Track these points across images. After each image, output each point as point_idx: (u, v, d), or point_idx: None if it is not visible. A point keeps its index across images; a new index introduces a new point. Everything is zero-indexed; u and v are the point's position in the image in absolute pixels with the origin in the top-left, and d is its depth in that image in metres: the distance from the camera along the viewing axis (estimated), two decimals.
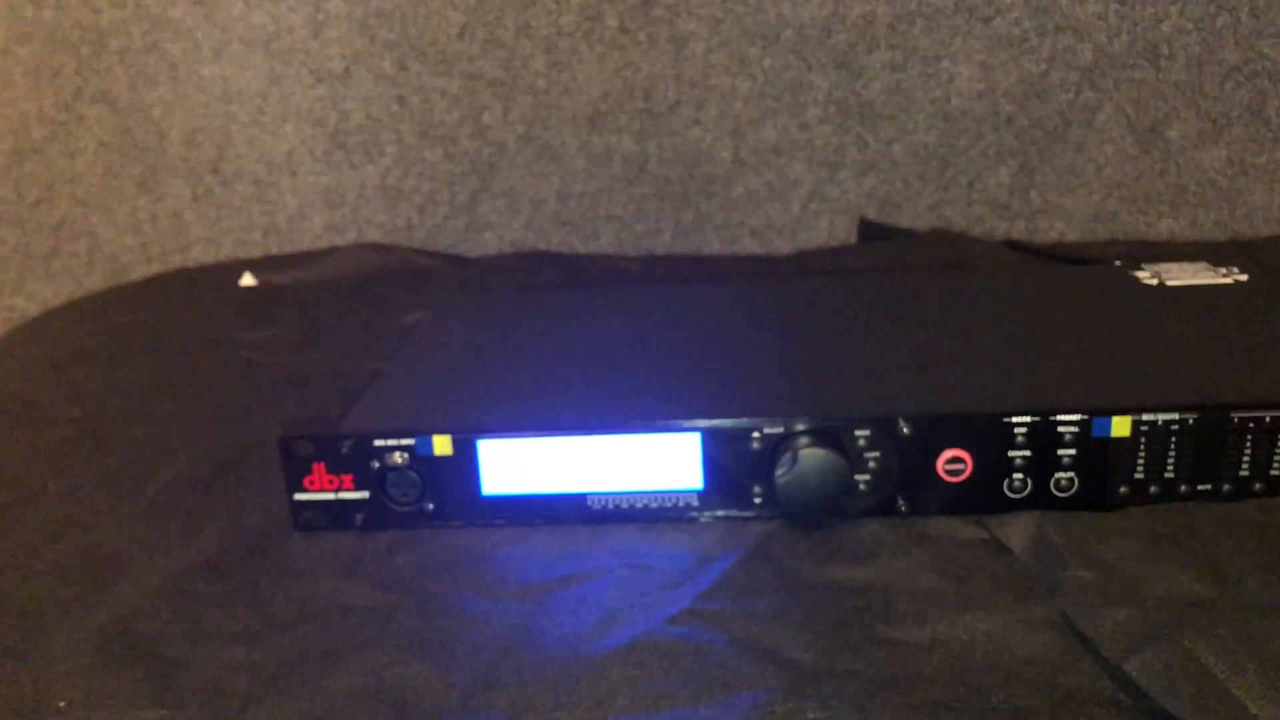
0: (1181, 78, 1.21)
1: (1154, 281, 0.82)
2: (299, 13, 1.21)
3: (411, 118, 1.25)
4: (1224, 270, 0.83)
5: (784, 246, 1.30)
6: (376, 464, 0.65)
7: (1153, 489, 0.62)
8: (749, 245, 1.30)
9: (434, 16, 1.21)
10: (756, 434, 0.63)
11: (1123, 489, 0.62)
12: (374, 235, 1.29)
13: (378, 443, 0.65)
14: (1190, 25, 1.18)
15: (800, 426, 0.63)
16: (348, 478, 0.66)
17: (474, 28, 1.22)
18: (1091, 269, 0.90)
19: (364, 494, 0.66)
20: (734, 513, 0.65)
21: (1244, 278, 0.81)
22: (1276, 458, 0.61)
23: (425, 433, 0.65)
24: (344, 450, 0.65)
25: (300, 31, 1.22)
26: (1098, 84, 1.22)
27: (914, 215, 1.27)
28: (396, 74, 1.23)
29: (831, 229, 1.29)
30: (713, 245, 1.30)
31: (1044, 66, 1.22)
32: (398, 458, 0.65)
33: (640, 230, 1.29)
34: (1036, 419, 0.61)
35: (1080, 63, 1.21)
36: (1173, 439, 0.61)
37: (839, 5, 1.20)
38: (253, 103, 1.24)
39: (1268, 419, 0.60)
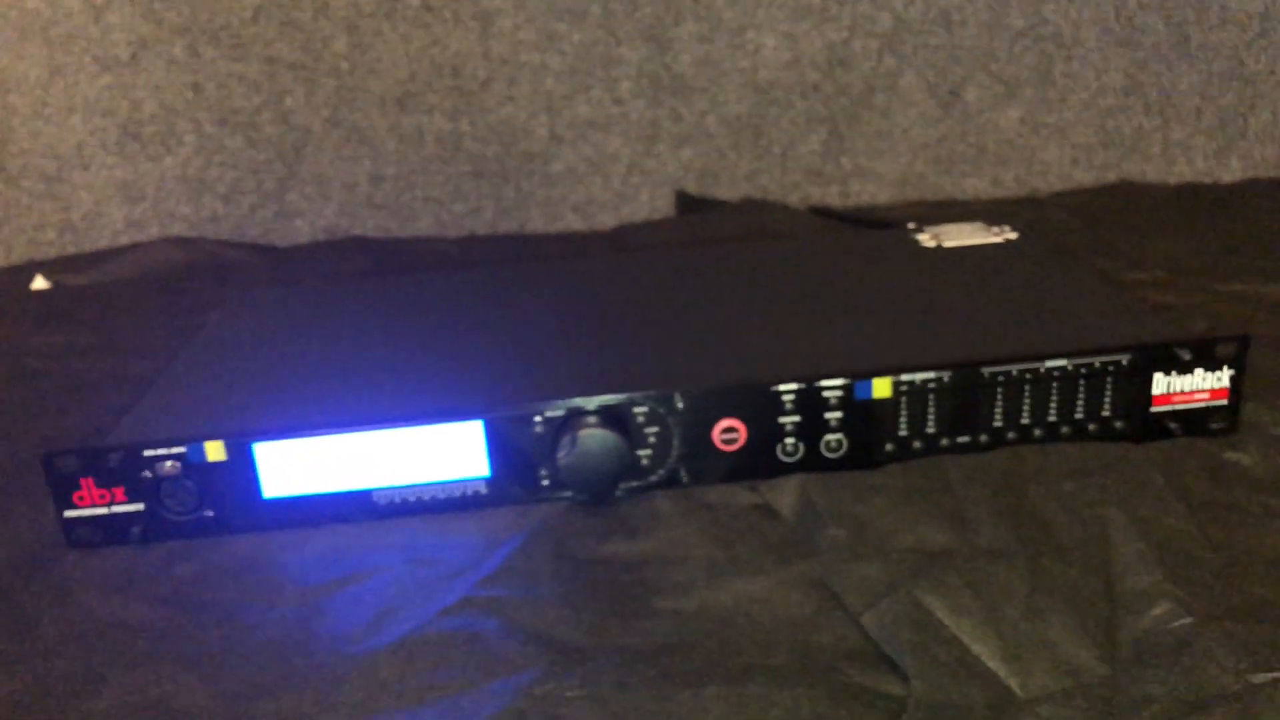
0: (974, 43, 1.26)
1: (933, 243, 0.85)
2: None
3: (208, 105, 1.20)
4: (996, 230, 0.87)
5: (607, 221, 1.30)
6: (149, 474, 0.63)
7: (916, 444, 0.65)
8: (572, 221, 1.30)
9: None
10: (538, 418, 0.64)
11: (889, 446, 0.65)
12: (178, 229, 1.24)
13: (147, 453, 0.63)
14: None
15: (581, 407, 0.63)
16: (119, 490, 0.64)
17: (268, 9, 1.18)
18: (879, 233, 0.94)
19: (138, 506, 0.64)
20: (523, 497, 0.65)
21: (1014, 236, 0.85)
22: (1025, 408, 0.64)
23: (197, 439, 0.63)
24: (112, 463, 0.63)
25: (79, 17, 1.16)
26: (898, 50, 1.26)
27: (731, 184, 1.29)
28: (189, 59, 1.19)
29: (653, 201, 1.30)
30: (535, 223, 1.30)
31: (846, 34, 1.25)
32: (169, 466, 0.63)
33: (460, 210, 1.28)
34: (802, 385, 0.63)
35: (880, 30, 1.25)
36: (931, 396, 0.64)
37: None
38: (34, 93, 1.18)
39: (1014, 372, 0.64)
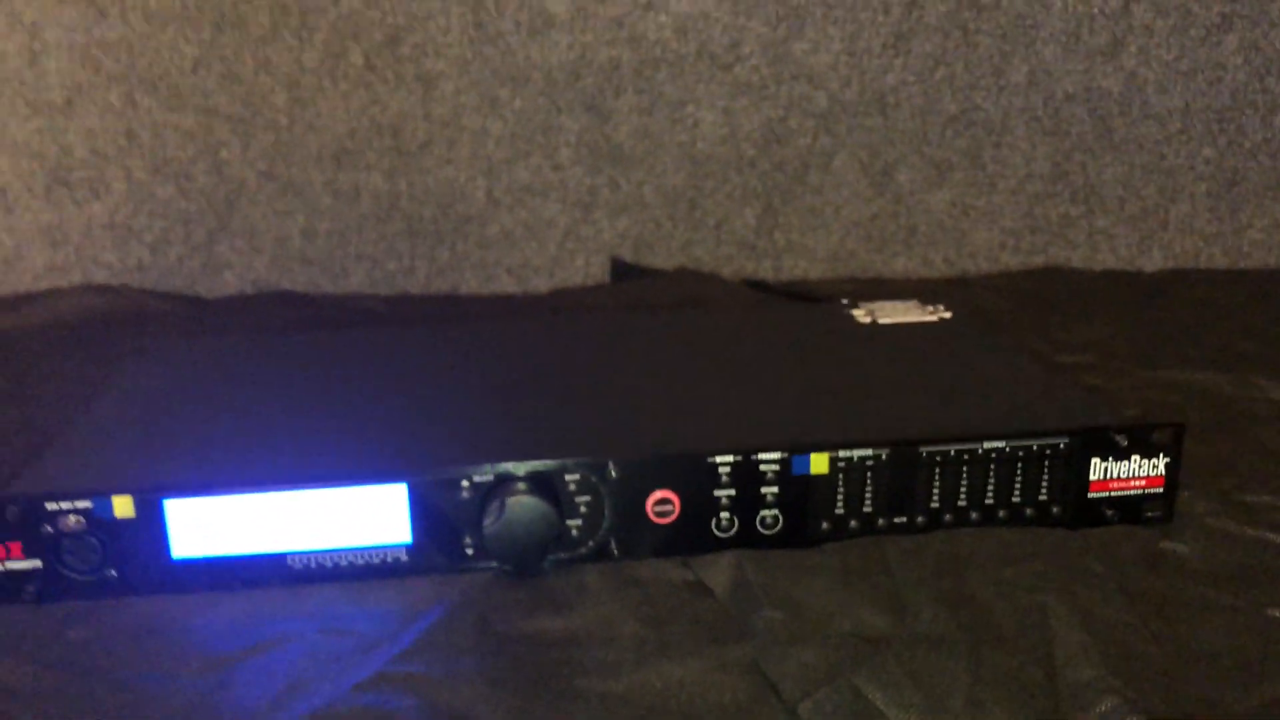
0: (908, 125, 1.29)
1: (868, 319, 0.86)
2: (11, 40, 1.12)
3: (141, 153, 1.17)
4: (931, 308, 0.87)
5: (541, 285, 1.29)
6: (49, 529, 0.59)
7: (853, 524, 0.64)
8: (506, 284, 1.29)
9: (165, 50, 1.15)
10: (466, 483, 0.61)
11: (825, 525, 0.64)
12: (101, 276, 1.20)
13: (50, 505, 0.59)
14: (912, 78, 1.26)
15: (511, 472, 0.61)
16: (16, 545, 0.60)
17: (209, 62, 1.16)
18: (813, 307, 0.94)
19: (35, 563, 0.60)
20: (446, 566, 0.63)
21: (948, 315, 0.86)
22: (963, 489, 0.64)
23: (104, 493, 0.59)
24: (9, 515, 0.59)
25: (14, 60, 1.13)
26: (833, 130, 1.28)
27: (666, 254, 1.29)
28: (124, 107, 1.16)
29: (588, 268, 1.30)
30: (469, 284, 1.28)
31: (783, 112, 1.27)
32: (73, 521, 0.59)
33: (393, 269, 1.26)
34: (739, 458, 0.62)
35: (816, 110, 1.27)
36: (869, 474, 0.63)
37: (586, 50, 1.22)
38: None
39: (953, 452, 0.63)
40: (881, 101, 1.27)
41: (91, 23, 1.14)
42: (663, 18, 1.22)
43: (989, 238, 1.33)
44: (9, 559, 0.60)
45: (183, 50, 1.16)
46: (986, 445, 0.64)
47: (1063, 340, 0.99)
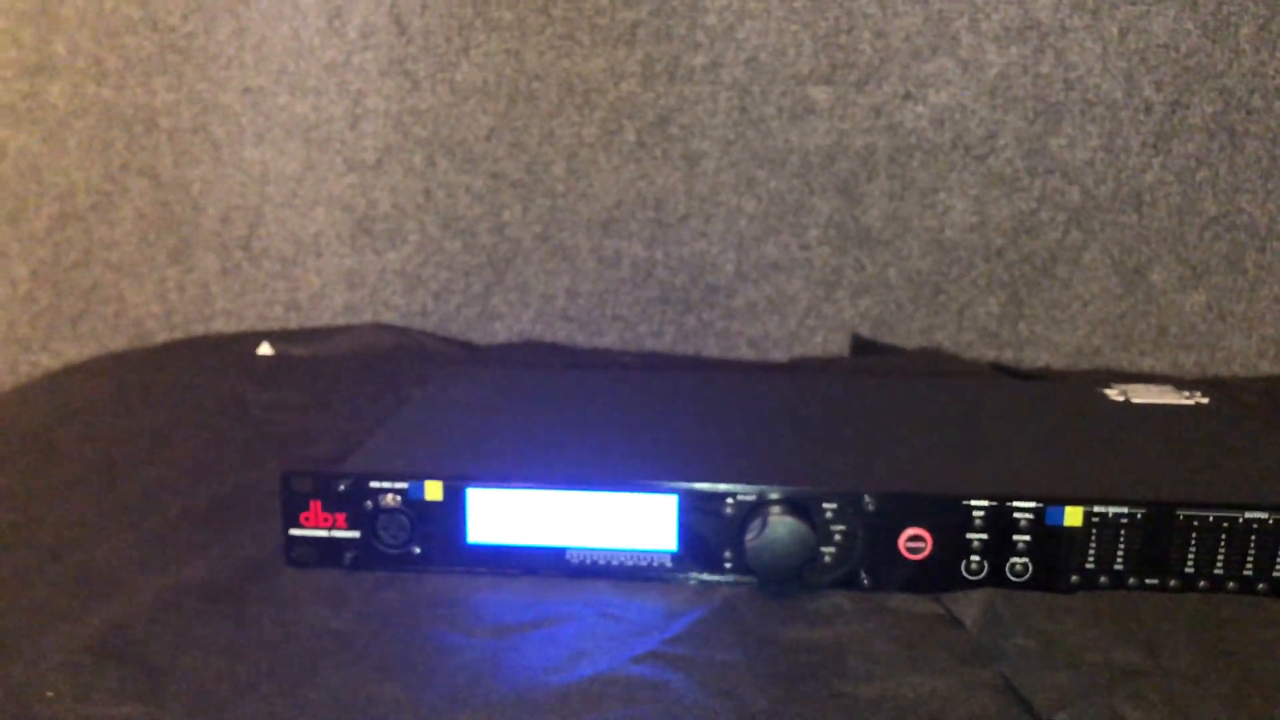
0: (1164, 225, 1.28)
1: (1121, 398, 0.86)
2: (339, 105, 1.30)
3: (436, 210, 1.32)
4: (1188, 393, 0.87)
5: (779, 357, 1.35)
6: (370, 504, 0.69)
7: (1103, 579, 0.65)
8: (746, 353, 1.35)
9: (465, 119, 1.30)
10: (730, 499, 0.67)
11: (1074, 578, 0.65)
12: (389, 317, 1.34)
13: (373, 484, 0.69)
14: (1171, 177, 1.26)
15: (772, 495, 0.66)
16: (341, 516, 0.69)
17: (501, 132, 1.30)
18: (1065, 385, 0.95)
19: (355, 534, 0.69)
20: (705, 575, 0.68)
21: (1205, 400, 0.85)
22: (1220, 556, 0.64)
23: (418, 477, 0.69)
24: (341, 488, 0.69)
25: (339, 123, 1.30)
26: (1084, 225, 1.29)
27: (906, 336, 1.33)
28: (425, 168, 1.31)
29: (826, 344, 1.34)
30: (711, 351, 1.35)
31: (1034, 205, 1.29)
32: (390, 500, 0.69)
33: (643, 331, 1.35)
34: (994, 504, 0.65)
35: (1068, 204, 1.28)
36: (1122, 532, 0.64)
37: (842, 136, 1.29)
38: (287, 186, 1.32)
39: (1211, 518, 0.64)
40: (1138, 199, 1.27)
41: (406, 92, 1.30)
42: (920, 108, 1.27)
43: (1246, 344, 1.30)
44: (335, 527, 0.70)
45: (480, 120, 1.30)
46: (1248, 515, 0.64)
47: None
